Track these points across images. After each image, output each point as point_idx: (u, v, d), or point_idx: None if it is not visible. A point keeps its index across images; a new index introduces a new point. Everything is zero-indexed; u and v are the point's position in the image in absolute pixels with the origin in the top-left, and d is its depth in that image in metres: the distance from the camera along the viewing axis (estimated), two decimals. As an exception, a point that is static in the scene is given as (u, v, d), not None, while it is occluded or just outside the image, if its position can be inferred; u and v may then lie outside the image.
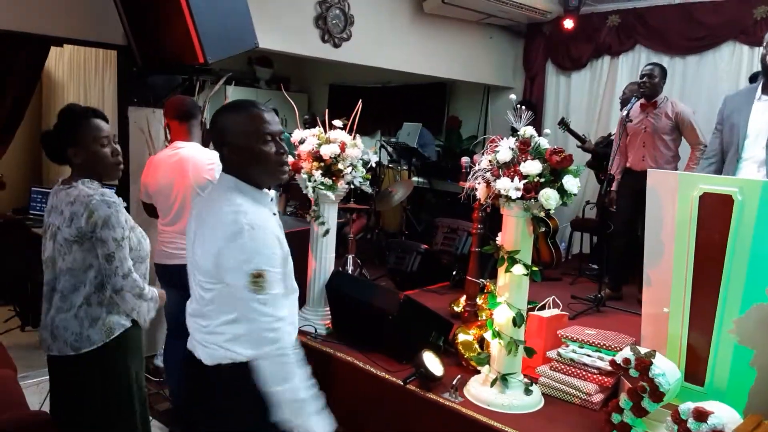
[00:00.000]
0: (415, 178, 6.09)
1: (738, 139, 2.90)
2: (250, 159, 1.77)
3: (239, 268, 1.66)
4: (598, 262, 5.48)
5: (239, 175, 1.80)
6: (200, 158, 3.03)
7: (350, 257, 4.78)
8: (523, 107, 2.68)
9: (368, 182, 3.36)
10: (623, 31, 6.00)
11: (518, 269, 2.67)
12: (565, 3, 5.88)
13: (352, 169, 3.28)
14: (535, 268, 2.69)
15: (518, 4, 5.51)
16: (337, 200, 3.38)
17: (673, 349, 2.60)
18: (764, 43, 2.92)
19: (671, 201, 2.52)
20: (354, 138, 3.39)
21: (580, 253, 6.30)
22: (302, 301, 3.51)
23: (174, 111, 3.08)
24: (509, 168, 2.62)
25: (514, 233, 2.68)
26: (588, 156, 5.50)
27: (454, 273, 4.55)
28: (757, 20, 5.07)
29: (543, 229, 2.65)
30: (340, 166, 3.22)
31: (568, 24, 5.91)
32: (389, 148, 6.38)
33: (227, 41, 3.10)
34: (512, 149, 2.63)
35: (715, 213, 2.37)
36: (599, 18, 6.12)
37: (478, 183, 2.72)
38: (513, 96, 2.84)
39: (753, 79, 4.23)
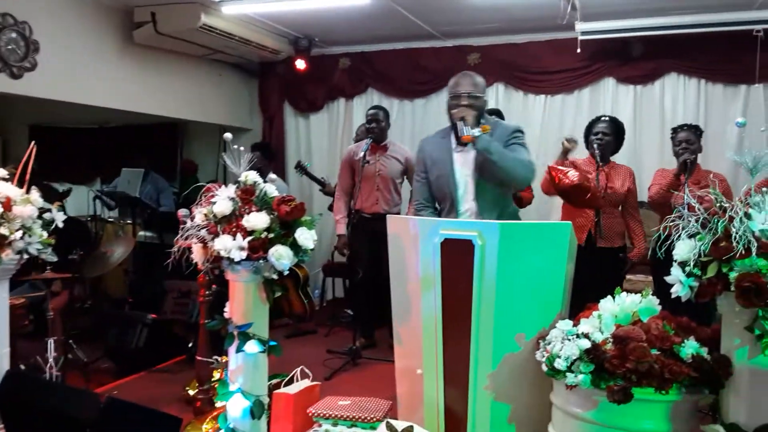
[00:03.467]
0: (142, 233, 5.22)
1: (450, 191, 2.78)
2: None
3: None
4: (352, 307, 5.28)
5: None
6: None
7: (51, 341, 3.74)
8: (242, 147, 2.22)
9: (50, 248, 2.54)
10: (354, 74, 6.03)
11: (252, 347, 2.16)
12: (295, 43, 5.68)
13: (24, 233, 2.44)
14: (273, 343, 2.20)
15: (245, 41, 5.13)
16: (3, 276, 2.49)
17: (431, 411, 2.34)
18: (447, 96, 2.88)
19: (413, 249, 2.28)
20: (28, 191, 2.55)
21: (334, 298, 6.07)
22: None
23: None
24: (230, 223, 2.12)
25: (245, 302, 2.18)
26: (330, 199, 5.30)
27: (189, 345, 3.86)
28: (471, 66, 5.45)
29: (278, 294, 2.19)
30: (4, 230, 2.36)
31: (300, 65, 5.73)
32: (107, 199, 5.41)
33: None
34: (233, 199, 2.14)
35: (457, 260, 2.17)
36: (331, 60, 6.07)
37: (195, 242, 2.16)
38: (228, 135, 2.37)
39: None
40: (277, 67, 6.22)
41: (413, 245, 2.27)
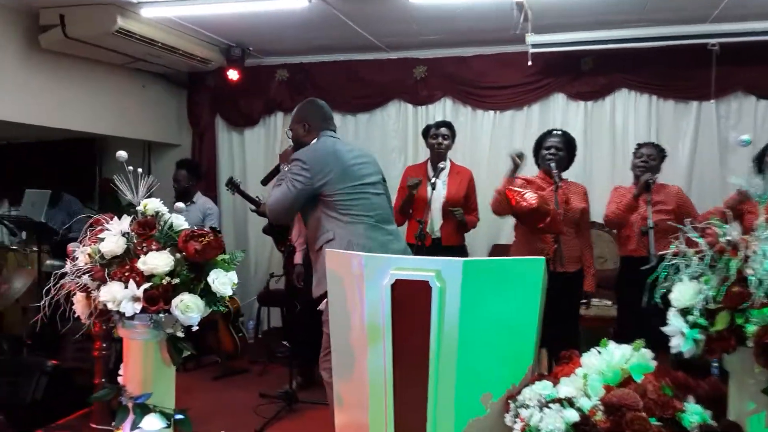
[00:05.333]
0: (49, 262, 4.59)
1: None
2: None
3: None
4: (290, 339, 4.81)
5: None
6: None
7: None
8: (140, 170, 1.77)
9: None
10: (293, 87, 5.61)
11: (153, 422, 1.70)
12: (227, 53, 5.22)
13: None
14: (182, 416, 1.75)
15: (169, 48, 4.63)
16: None
17: (380, 488, 1.92)
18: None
19: (357, 292, 1.88)
20: None
21: (269, 329, 5.58)
22: None
23: None
24: (123, 265, 1.66)
25: (143, 366, 1.72)
26: (265, 221, 4.84)
27: (96, 396, 3.31)
28: (417, 80, 5.15)
29: (188, 353, 1.75)
30: None
31: (233, 75, 5.26)
32: (8, 224, 4.76)
33: None
34: (126, 235, 1.69)
35: (411, 306, 1.78)
36: (268, 72, 5.63)
37: (76, 290, 1.69)
38: (122, 153, 1.92)
39: (425, 132, 4.12)
40: (207, 78, 5.74)
41: (357, 287, 1.87)
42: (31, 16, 4.26)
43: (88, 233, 1.72)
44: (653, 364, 1.62)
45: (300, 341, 4.08)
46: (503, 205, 3.29)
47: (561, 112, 5.03)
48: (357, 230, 2.56)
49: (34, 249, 4.69)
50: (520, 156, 3.36)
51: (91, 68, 4.87)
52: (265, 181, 3.25)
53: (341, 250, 2.40)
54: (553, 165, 3.38)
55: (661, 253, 1.60)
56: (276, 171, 2.93)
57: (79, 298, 1.68)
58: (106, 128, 5.25)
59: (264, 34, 4.85)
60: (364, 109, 5.46)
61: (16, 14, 4.21)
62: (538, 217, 3.19)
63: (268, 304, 5.30)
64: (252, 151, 5.86)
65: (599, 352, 1.67)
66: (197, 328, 1.65)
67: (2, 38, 4.15)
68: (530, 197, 3.17)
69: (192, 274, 1.67)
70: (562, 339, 3.18)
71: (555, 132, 3.58)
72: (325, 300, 2.71)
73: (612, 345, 1.68)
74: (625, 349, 1.66)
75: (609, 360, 1.63)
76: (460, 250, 4.02)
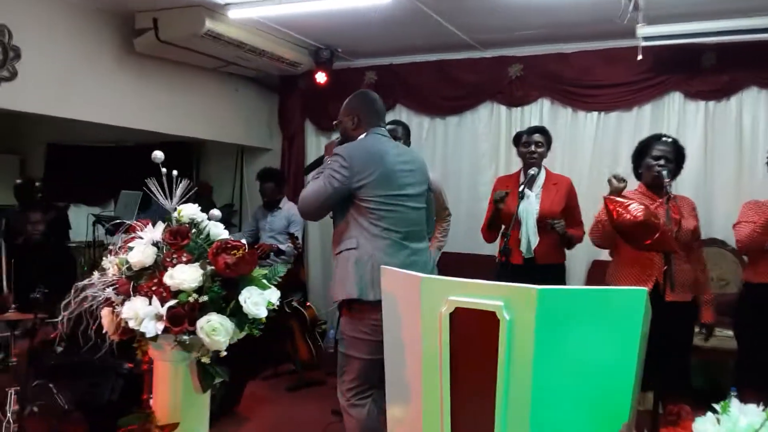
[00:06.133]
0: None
1: None
2: None
3: None
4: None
5: None
6: None
7: (12, 393, 3.23)
8: (174, 172, 1.62)
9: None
10: (382, 89, 5.38)
11: (179, 454, 1.53)
12: (316, 55, 5.13)
13: None
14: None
15: (258, 51, 4.60)
16: None
17: None
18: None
19: (413, 318, 1.61)
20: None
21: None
22: None
23: None
24: (152, 278, 1.50)
25: (171, 391, 1.55)
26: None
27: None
28: (512, 79, 4.79)
29: (220, 380, 1.56)
30: None
31: (321, 78, 5.16)
32: (107, 225, 4.94)
33: None
34: (158, 245, 1.53)
35: (475, 340, 1.49)
36: (356, 74, 5.49)
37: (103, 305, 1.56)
38: (158, 153, 1.78)
39: (516, 140, 3.74)
40: (298, 81, 5.69)
41: (413, 312, 1.60)
42: (126, 20, 4.37)
43: (121, 240, 1.59)
44: (793, 438, 1.22)
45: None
46: (604, 229, 2.92)
47: (677, 113, 4.46)
48: (381, 245, 2.39)
49: (128, 249, 4.85)
50: (619, 179, 2.96)
51: (184, 72, 4.95)
52: (307, 171, 3.05)
53: (361, 261, 2.35)
54: (665, 173, 2.93)
55: None
56: (319, 161, 2.75)
57: (105, 313, 1.55)
58: (199, 132, 5.33)
59: (351, 33, 4.70)
60: (453, 111, 5.18)
61: (114, 17, 4.33)
62: (644, 233, 2.75)
63: (349, 313, 5.14)
64: (339, 156, 5.74)
65: (717, 415, 1.29)
66: (225, 353, 1.47)
67: (100, 41, 4.28)
68: (635, 209, 2.74)
69: (223, 291, 1.48)
70: (670, 380, 2.75)
71: (664, 138, 3.10)
72: (340, 316, 2.52)
73: (735, 406, 1.29)
74: (754, 413, 1.26)
75: (731, 429, 1.24)
76: (559, 270, 3.49)
